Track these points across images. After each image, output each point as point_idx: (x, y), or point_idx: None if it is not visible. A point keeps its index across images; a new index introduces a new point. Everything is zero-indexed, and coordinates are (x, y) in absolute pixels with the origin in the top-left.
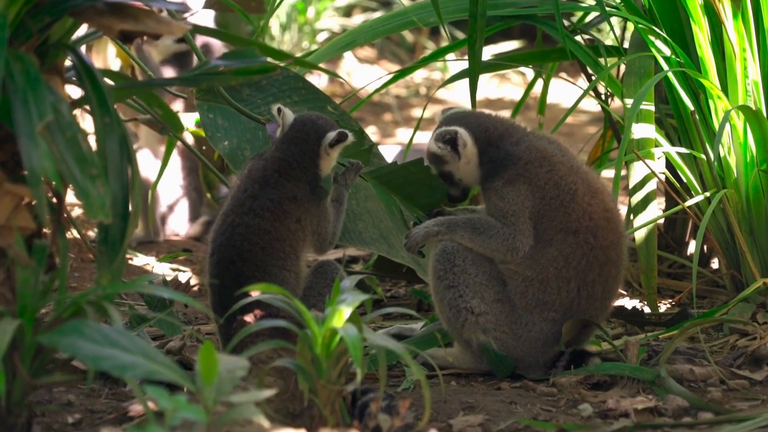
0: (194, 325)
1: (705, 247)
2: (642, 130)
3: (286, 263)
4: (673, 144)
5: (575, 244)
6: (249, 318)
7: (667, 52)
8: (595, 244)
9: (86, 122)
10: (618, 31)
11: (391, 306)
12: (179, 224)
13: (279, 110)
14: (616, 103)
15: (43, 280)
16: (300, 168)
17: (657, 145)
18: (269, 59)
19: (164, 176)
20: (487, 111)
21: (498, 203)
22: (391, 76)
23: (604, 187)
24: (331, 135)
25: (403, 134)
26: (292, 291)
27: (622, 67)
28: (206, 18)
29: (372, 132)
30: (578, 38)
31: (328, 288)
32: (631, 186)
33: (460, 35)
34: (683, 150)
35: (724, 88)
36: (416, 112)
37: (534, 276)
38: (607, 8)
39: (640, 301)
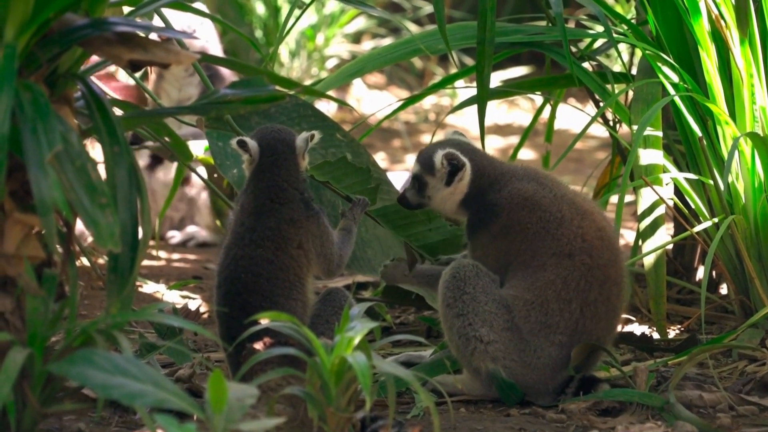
0: (204, 353)
1: (714, 273)
2: (650, 156)
3: (292, 292)
4: (681, 170)
5: (572, 266)
6: (258, 346)
7: (675, 78)
8: (592, 264)
9: (96, 151)
10: (626, 58)
11: (400, 333)
12: None
13: (243, 142)
14: (624, 129)
15: (53, 309)
16: (291, 187)
17: (665, 170)
18: (278, 87)
19: None
20: (488, 152)
21: (482, 258)
22: (400, 102)
23: (594, 207)
24: (301, 143)
25: (412, 160)
26: (300, 319)
27: (630, 94)
28: (214, 46)
29: (381, 158)
30: (586, 65)
31: (337, 315)
32: (639, 212)
33: (469, 61)
34: (691, 176)
35: (732, 115)
36: (425, 138)
37: (534, 299)
38: (615, 35)
39: (649, 327)
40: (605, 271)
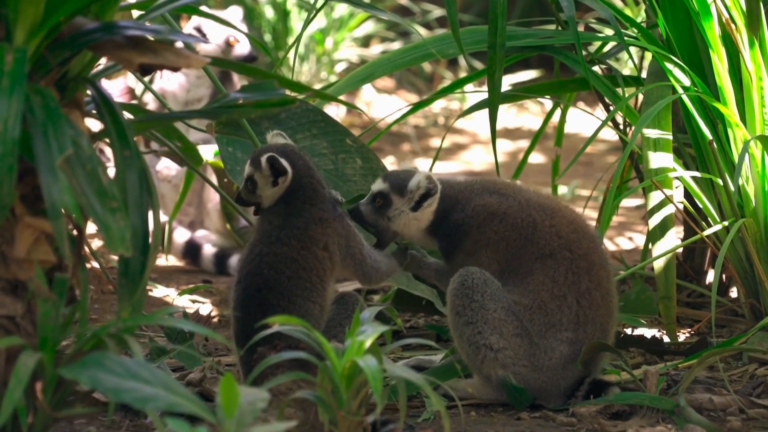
0: (214, 357)
1: (724, 276)
2: (660, 159)
3: (312, 294)
4: None
5: (555, 264)
6: (270, 350)
7: (686, 81)
8: (573, 256)
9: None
10: (636, 61)
11: (410, 337)
12: None
13: (275, 165)
14: None
15: (64, 313)
16: (322, 187)
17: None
18: (288, 92)
19: None
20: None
21: None
22: (409, 107)
23: (559, 204)
24: None
25: (421, 164)
26: (315, 323)
27: (641, 97)
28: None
29: (390, 163)
30: (596, 68)
31: (348, 319)
32: (649, 215)
33: (479, 65)
34: (699, 175)
35: (742, 118)
36: (435, 142)
37: (531, 303)
38: (625, 38)
39: (659, 330)
40: (588, 258)
